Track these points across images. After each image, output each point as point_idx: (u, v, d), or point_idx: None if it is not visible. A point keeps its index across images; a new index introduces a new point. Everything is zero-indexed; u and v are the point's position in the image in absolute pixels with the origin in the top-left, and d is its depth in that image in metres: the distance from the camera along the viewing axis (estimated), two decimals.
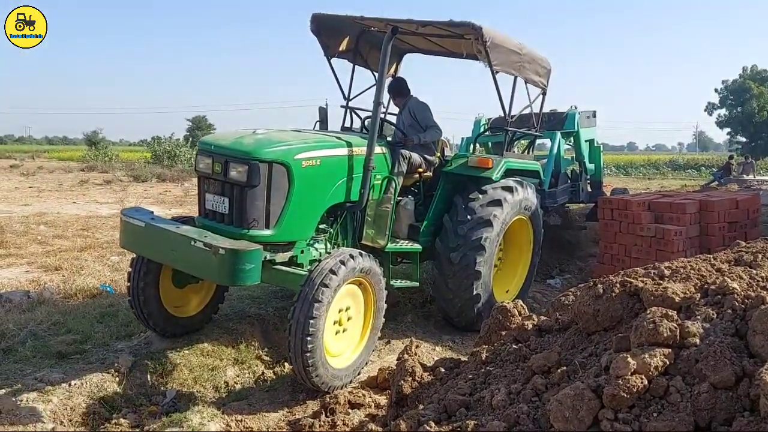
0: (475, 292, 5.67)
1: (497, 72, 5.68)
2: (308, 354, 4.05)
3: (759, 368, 1.91)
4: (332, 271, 4.12)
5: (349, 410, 4.25)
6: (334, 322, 4.43)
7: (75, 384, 4.28)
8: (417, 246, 5.64)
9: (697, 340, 2.07)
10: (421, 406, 2.56)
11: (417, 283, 5.70)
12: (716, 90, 47.70)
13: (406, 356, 3.21)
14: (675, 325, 2.09)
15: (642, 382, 1.97)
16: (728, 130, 48.76)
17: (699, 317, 2.19)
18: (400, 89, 6.36)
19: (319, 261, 4.30)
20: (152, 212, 4.75)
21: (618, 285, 2.49)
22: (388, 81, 6.79)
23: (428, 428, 2.22)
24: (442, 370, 3.04)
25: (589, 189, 10.07)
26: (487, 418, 2.18)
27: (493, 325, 3.19)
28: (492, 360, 2.76)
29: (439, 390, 2.80)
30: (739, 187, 19.61)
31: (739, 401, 1.92)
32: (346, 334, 4.61)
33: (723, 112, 47.67)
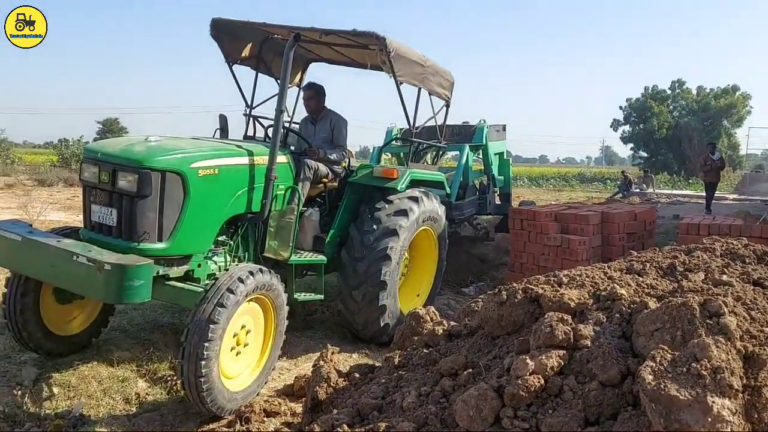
0: (381, 303, 5.63)
1: (401, 83, 5.71)
2: (204, 393, 3.86)
3: (640, 367, 2.11)
4: (240, 279, 3.95)
5: (265, 419, 4.24)
6: (231, 348, 4.22)
7: None
8: (322, 257, 5.53)
9: (589, 342, 2.25)
10: (335, 411, 2.63)
11: (322, 296, 5.58)
12: (621, 107, 50.59)
13: (321, 363, 3.27)
14: (569, 328, 2.27)
15: (539, 382, 2.13)
16: (631, 145, 51.78)
17: (591, 321, 2.38)
18: (322, 95, 6.29)
19: (214, 282, 3.99)
20: (30, 225, 4.45)
21: (520, 291, 2.66)
22: (293, 88, 6.78)
23: (341, 431, 2.29)
24: (357, 375, 3.12)
25: (498, 201, 10.40)
26: (398, 420, 2.28)
27: (407, 330, 3.31)
28: (404, 364, 2.87)
29: (353, 395, 2.88)
30: (640, 199, 20.89)
31: (624, 397, 2.11)
32: (246, 353, 4.41)
33: (627, 128, 50.57)
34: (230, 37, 6.13)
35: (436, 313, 3.41)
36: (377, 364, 3.44)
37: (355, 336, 6.06)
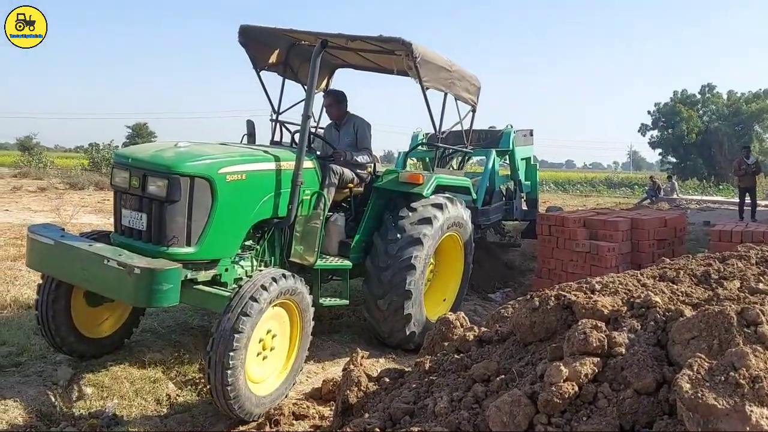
0: (406, 312, 5.63)
1: (427, 88, 5.71)
2: (232, 401, 3.89)
3: (677, 375, 2.09)
4: (263, 287, 3.98)
5: (294, 421, 4.29)
6: (258, 353, 4.25)
7: (11, 397, 4.17)
8: (347, 263, 5.55)
9: (623, 350, 2.24)
10: (366, 415, 2.65)
11: (347, 301, 5.62)
12: (649, 112, 50.01)
13: (351, 367, 3.29)
14: (603, 335, 2.26)
15: (573, 389, 2.12)
16: (660, 150, 51.13)
17: (625, 328, 2.37)
18: (343, 101, 6.32)
19: (237, 290, 4.02)
20: (62, 229, 4.52)
21: (553, 298, 2.65)
22: (319, 94, 6.81)
23: None
24: (387, 380, 3.14)
25: (525, 207, 10.32)
26: (430, 425, 2.29)
27: (436, 336, 3.31)
28: (435, 369, 2.88)
29: (384, 399, 2.89)
30: (669, 205, 20.60)
31: (660, 405, 2.09)
32: (272, 356, 4.43)
33: (655, 133, 49.97)
34: (258, 43, 6.18)
35: (466, 318, 3.42)
36: (407, 369, 3.46)
37: (382, 341, 6.09)
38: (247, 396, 4.05)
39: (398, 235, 5.58)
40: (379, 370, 3.76)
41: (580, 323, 2.33)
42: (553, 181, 46.10)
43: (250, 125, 6.11)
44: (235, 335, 3.80)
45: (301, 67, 6.59)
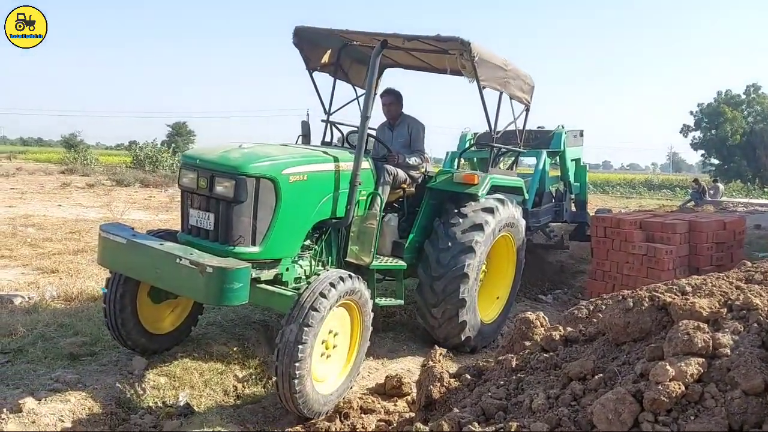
0: (461, 320, 5.64)
1: (484, 87, 5.68)
2: (301, 406, 3.99)
3: None
4: (322, 294, 4.02)
5: (362, 415, 4.37)
6: (321, 354, 4.31)
7: (90, 385, 4.33)
8: (401, 263, 5.58)
9: (728, 351, 2.24)
10: (455, 410, 2.69)
11: (402, 302, 5.62)
12: (692, 113, 48.95)
13: (431, 363, 3.34)
14: (708, 336, 2.27)
15: (679, 388, 2.13)
16: (702, 152, 50.04)
17: (728, 330, 2.36)
18: (401, 100, 6.33)
19: (304, 287, 4.13)
20: (133, 228, 4.61)
21: (647, 299, 2.66)
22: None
23: (472, 428, 2.36)
24: (468, 376, 3.18)
25: (573, 209, 10.21)
26: (529, 420, 2.33)
27: (516, 335, 3.34)
28: (522, 367, 2.91)
29: (468, 395, 2.94)
30: (714, 208, 20.14)
31: None
32: (335, 354, 4.50)
33: (698, 134, 48.87)
34: (311, 44, 6.24)
35: (546, 318, 3.44)
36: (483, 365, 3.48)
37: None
38: (315, 398, 4.13)
39: (449, 244, 5.55)
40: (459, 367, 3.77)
41: (681, 324, 2.34)
42: (591, 182, 45.36)
43: (305, 126, 6.15)
44: (299, 346, 3.86)
45: (351, 68, 6.65)
